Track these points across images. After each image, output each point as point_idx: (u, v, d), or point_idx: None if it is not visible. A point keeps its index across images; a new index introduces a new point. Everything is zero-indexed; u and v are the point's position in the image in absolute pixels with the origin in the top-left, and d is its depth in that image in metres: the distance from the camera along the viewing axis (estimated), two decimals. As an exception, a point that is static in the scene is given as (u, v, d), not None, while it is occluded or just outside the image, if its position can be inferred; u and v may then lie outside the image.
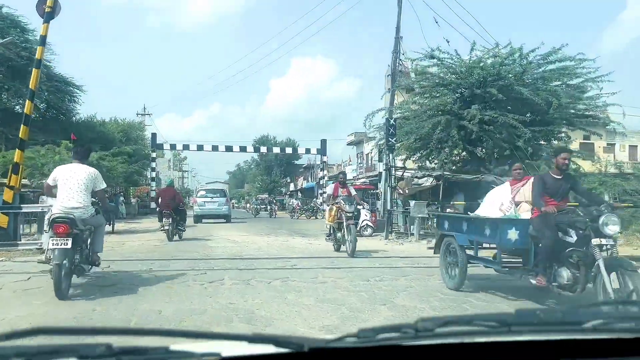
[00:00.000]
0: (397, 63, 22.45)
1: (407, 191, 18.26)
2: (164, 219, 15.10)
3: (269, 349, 1.09)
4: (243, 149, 37.84)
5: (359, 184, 20.64)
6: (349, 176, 43.40)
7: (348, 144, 46.88)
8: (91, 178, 6.55)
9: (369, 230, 17.70)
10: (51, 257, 6.22)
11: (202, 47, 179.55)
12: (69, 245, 6.00)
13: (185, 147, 37.19)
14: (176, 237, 15.24)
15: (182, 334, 1.13)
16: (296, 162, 73.66)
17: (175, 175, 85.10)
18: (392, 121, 17.57)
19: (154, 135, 36.94)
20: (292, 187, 69.64)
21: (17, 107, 32.90)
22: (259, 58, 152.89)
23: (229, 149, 37.10)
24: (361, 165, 42.89)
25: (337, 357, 1.14)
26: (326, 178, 38.52)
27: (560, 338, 1.22)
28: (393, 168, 17.88)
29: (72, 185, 6.39)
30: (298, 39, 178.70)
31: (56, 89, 33.31)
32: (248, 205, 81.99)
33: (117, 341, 1.07)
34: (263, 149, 37.99)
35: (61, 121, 34.79)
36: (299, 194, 69.18)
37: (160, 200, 15.90)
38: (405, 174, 19.95)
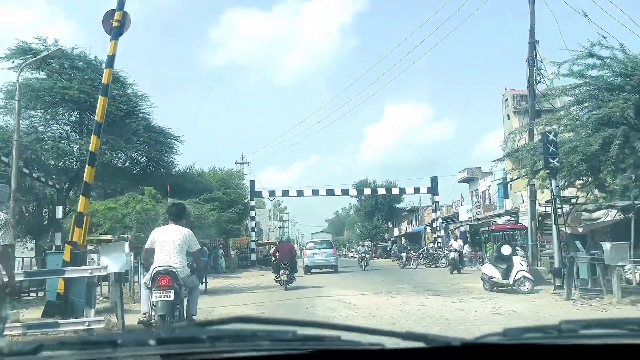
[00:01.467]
0: (535, 72, 17.96)
1: (579, 229, 13.46)
2: (281, 271, 16.22)
3: (421, 344, 1.18)
4: (345, 191, 34.44)
5: (501, 223, 15.98)
6: (464, 217, 38.23)
7: (459, 182, 41.97)
8: (186, 239, 6.49)
9: (528, 285, 13.05)
10: (152, 312, 6.07)
11: (299, 100, 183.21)
12: (172, 297, 5.95)
13: (285, 193, 34.43)
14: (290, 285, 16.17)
15: (350, 329, 1.28)
16: (397, 205, 69.19)
17: (275, 225, 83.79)
18: (551, 136, 13.02)
19: (252, 182, 34.63)
20: (395, 232, 64.93)
21: (116, 160, 31.97)
22: (354, 106, 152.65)
23: (330, 192, 33.83)
24: (477, 204, 37.74)
25: (483, 353, 1.17)
26: (440, 220, 33.84)
27: None
28: (557, 199, 13.02)
29: (168, 247, 6.35)
30: (391, 85, 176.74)
31: (155, 141, 32.04)
32: (350, 254, 78.34)
33: (300, 330, 1.21)
34: (367, 191, 34.28)
35: (161, 174, 33.41)
36: (403, 239, 64.38)
37: (278, 253, 17.11)
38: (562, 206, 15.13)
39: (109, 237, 14.38)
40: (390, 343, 1.20)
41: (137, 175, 32.04)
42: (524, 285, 13.02)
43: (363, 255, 30.14)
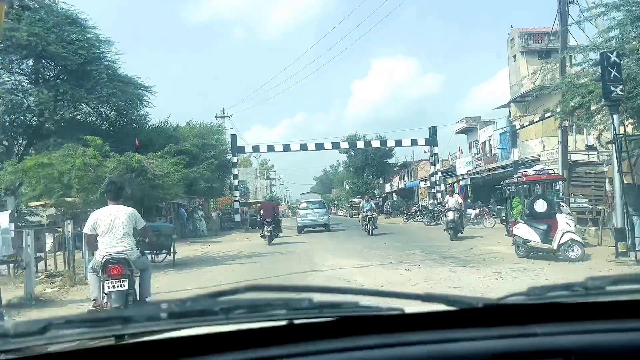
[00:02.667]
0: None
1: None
2: (265, 227, 17.80)
3: (443, 307, 1.15)
4: (336, 145, 31.30)
5: (532, 173, 12.97)
6: (462, 170, 35.46)
7: (457, 133, 38.96)
8: (131, 218, 6.03)
9: (577, 250, 10.21)
10: (105, 302, 5.64)
11: (285, 55, 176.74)
12: (126, 287, 5.66)
13: (270, 148, 31.20)
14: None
15: (368, 292, 1.25)
16: (389, 160, 66.33)
17: (262, 184, 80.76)
18: (613, 57, 9.80)
19: (233, 137, 31.26)
20: (387, 188, 62.27)
21: (79, 114, 28.38)
22: (340, 61, 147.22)
23: (319, 146, 30.65)
24: (478, 156, 34.84)
25: (507, 314, 1.14)
26: (439, 174, 30.97)
27: None
28: (623, 139, 9.87)
29: (114, 230, 5.89)
30: (377, 40, 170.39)
31: (121, 91, 28.37)
32: (340, 211, 75.88)
33: (317, 297, 1.16)
34: (359, 144, 31.17)
35: (133, 129, 29.94)
36: (394, 195, 61.93)
37: (262, 211, 18.51)
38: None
39: (39, 203, 11.26)
40: (411, 306, 1.18)
41: (107, 132, 28.63)
42: (572, 250, 10.18)
43: (368, 214, 21.25)
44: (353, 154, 67.52)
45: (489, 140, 34.74)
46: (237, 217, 30.72)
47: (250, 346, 1.09)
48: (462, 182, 33.61)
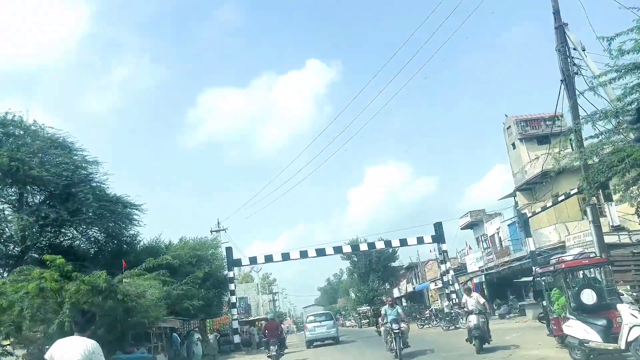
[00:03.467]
0: (569, 58, 13.75)
1: None
2: (270, 347, 17.15)
3: None
4: (338, 249, 29.33)
5: (570, 259, 11.00)
6: (473, 267, 33.21)
7: (462, 228, 37.22)
8: (87, 353, 5.22)
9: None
10: None
11: (280, 170, 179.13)
12: None
13: (268, 258, 29.15)
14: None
15: None
16: (393, 264, 63.75)
17: (264, 299, 77.22)
18: (653, 112, 8.34)
19: (229, 250, 29.36)
20: (395, 292, 59.10)
21: (63, 239, 26.66)
22: (335, 171, 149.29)
23: (320, 252, 28.69)
24: (488, 250, 32.81)
25: None
26: (451, 272, 28.75)
27: None
28: None
29: None
30: (369, 148, 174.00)
31: (109, 212, 26.93)
32: (348, 322, 71.61)
33: None
34: (363, 247, 29.20)
35: (123, 250, 28.11)
36: (403, 300, 58.56)
37: (267, 331, 18.05)
38: None
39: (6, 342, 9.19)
40: None
41: (95, 256, 26.88)
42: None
43: (394, 327, 13.79)
44: (356, 259, 65.04)
45: (497, 233, 32.93)
46: (237, 338, 27.88)
47: None
48: (475, 280, 31.28)
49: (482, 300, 13.70)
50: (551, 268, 11.39)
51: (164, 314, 15.49)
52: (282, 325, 23.09)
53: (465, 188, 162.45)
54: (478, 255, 33.95)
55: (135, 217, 28.66)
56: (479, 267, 32.89)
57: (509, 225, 31.22)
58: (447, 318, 24.06)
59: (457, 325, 23.70)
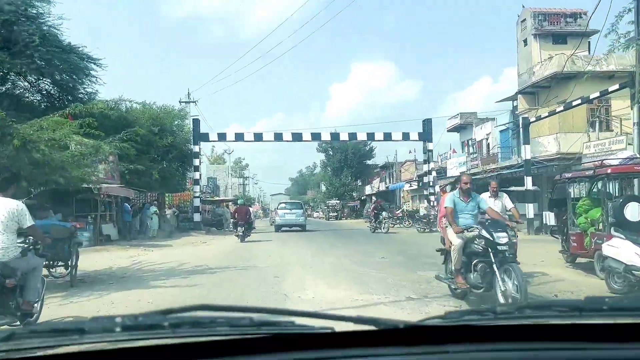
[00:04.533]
0: None
1: None
2: (238, 228, 19.61)
3: (371, 327, 1.25)
4: (316, 136, 26.69)
5: (618, 163, 8.56)
6: (454, 172, 31.24)
7: (449, 130, 34.84)
8: (13, 214, 5.30)
9: None
10: None
11: (264, 55, 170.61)
12: None
13: (239, 137, 26.44)
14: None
15: (303, 314, 1.37)
16: (369, 162, 62.14)
17: (234, 182, 75.80)
18: None
19: (195, 122, 26.43)
20: (367, 190, 57.98)
21: (9, 87, 23.25)
22: (319, 63, 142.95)
23: (297, 137, 26.08)
24: (474, 155, 30.74)
25: (426, 335, 1.24)
26: (434, 173, 26.71)
27: (629, 322, 1.27)
28: None
29: None
30: (357, 43, 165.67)
31: (62, 61, 23.32)
32: (316, 213, 71.30)
33: (257, 317, 1.26)
34: (343, 136, 26.62)
35: (77, 108, 24.83)
36: (373, 198, 57.56)
37: (237, 215, 20.35)
38: None
39: None
40: (342, 327, 1.25)
41: (45, 111, 23.73)
42: None
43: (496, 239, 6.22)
44: (331, 153, 63.13)
45: (487, 139, 30.71)
46: (197, 217, 25.89)
47: (193, 358, 1.16)
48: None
49: (510, 205, 8.41)
50: (589, 173, 8.96)
51: (92, 176, 12.90)
52: (251, 210, 23.36)
53: (449, 96, 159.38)
54: (462, 159, 31.90)
55: (92, 72, 25.20)
56: (460, 172, 30.98)
57: (501, 131, 28.92)
58: (425, 220, 22.28)
59: (433, 229, 22.03)
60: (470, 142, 31.97)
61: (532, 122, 20.84)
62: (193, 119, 27.06)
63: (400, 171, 47.89)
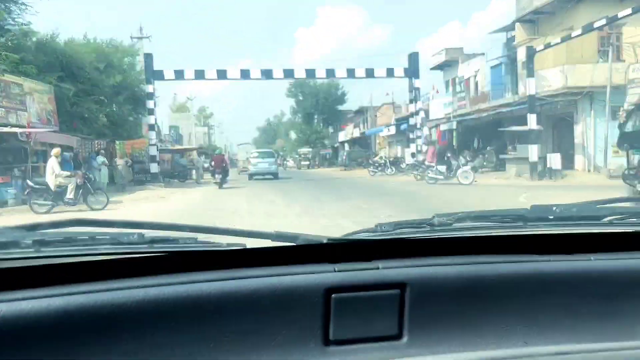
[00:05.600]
0: None
1: None
2: (216, 175, 19.72)
3: (288, 243, 1.11)
4: (288, 73, 23.24)
5: None
6: (438, 113, 28.47)
7: (432, 69, 31.75)
8: None
9: None
10: None
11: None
12: None
13: (200, 74, 22.75)
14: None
15: (212, 230, 1.16)
16: (341, 107, 58.84)
17: (199, 131, 71.64)
18: None
19: (148, 57, 22.56)
20: (341, 136, 55.01)
21: None
22: (285, 7, 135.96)
23: (266, 74, 22.60)
24: (462, 95, 27.91)
25: (354, 249, 1.13)
26: (422, 114, 23.84)
27: (576, 232, 1.20)
28: None
29: None
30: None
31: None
32: (287, 162, 68.18)
33: (151, 233, 1.07)
34: (320, 72, 23.19)
35: (10, 45, 20.71)
36: (346, 145, 54.84)
37: (214, 163, 20.74)
38: None
39: None
40: (259, 244, 1.09)
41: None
42: None
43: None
44: (301, 98, 59.47)
45: (475, 76, 27.84)
46: (154, 167, 22.45)
47: (66, 282, 0.94)
48: (443, 127, 26.75)
49: None
50: None
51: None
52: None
53: (419, 41, 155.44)
54: (447, 100, 29.10)
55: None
56: (445, 114, 28.27)
57: (492, 67, 26.06)
58: (422, 167, 19.39)
59: (424, 178, 19.36)
60: (457, 80, 29.03)
61: (540, 50, 17.96)
62: (145, 54, 23.18)
63: (376, 116, 44.88)
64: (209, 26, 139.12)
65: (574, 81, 18.90)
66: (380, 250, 1.10)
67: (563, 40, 16.88)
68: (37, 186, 12.52)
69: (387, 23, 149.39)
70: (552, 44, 17.30)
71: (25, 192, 12.45)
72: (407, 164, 24.80)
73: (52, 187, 12.33)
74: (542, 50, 17.89)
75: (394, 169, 26.86)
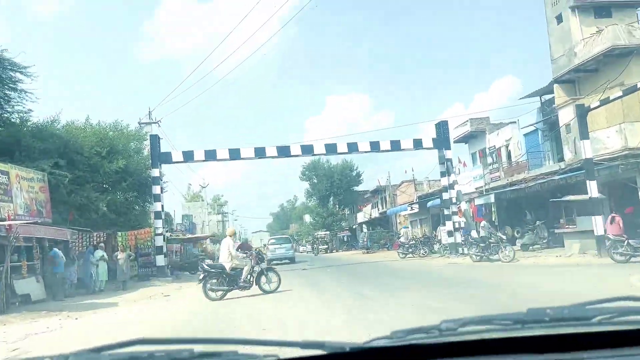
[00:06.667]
0: None
1: None
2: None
3: (316, 351, 1.23)
4: (307, 149, 20.99)
5: None
6: (468, 188, 25.87)
7: (456, 142, 29.56)
8: None
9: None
10: None
11: (239, 92, 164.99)
12: None
13: (210, 155, 20.59)
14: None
15: (247, 342, 1.29)
16: (356, 188, 56.59)
17: (212, 219, 69.35)
18: None
19: (154, 139, 20.57)
20: (360, 217, 52.22)
21: None
22: (295, 98, 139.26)
23: (283, 152, 20.43)
24: (493, 166, 25.39)
25: (372, 356, 1.22)
26: (457, 187, 21.15)
27: (569, 332, 1.27)
28: None
29: None
30: (332, 78, 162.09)
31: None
32: (302, 247, 64.99)
33: (200, 348, 1.19)
34: (342, 147, 20.82)
35: (10, 132, 19.08)
36: (364, 227, 51.92)
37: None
38: None
39: None
40: (289, 354, 1.21)
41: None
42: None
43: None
44: (316, 181, 57.48)
45: (507, 146, 25.47)
46: (160, 260, 19.64)
47: None
48: (478, 201, 23.95)
49: None
50: None
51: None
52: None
53: (421, 125, 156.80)
54: (476, 173, 26.53)
55: (21, 85, 19.41)
56: (475, 188, 25.60)
57: (526, 134, 23.73)
58: (483, 244, 16.49)
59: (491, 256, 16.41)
60: (489, 151, 26.62)
61: (594, 108, 15.56)
62: (151, 136, 21.18)
63: (396, 194, 42.31)
64: (219, 118, 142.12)
65: (636, 141, 16.35)
66: (395, 355, 1.20)
67: (626, 92, 14.49)
68: (212, 270, 11.23)
69: (391, 109, 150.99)
70: (611, 98, 14.91)
71: (201, 277, 11.20)
72: (444, 244, 21.85)
73: (227, 269, 11.09)
74: (597, 107, 15.48)
75: (427, 250, 23.88)
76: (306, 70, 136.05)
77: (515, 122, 24.60)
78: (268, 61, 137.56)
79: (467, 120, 27.97)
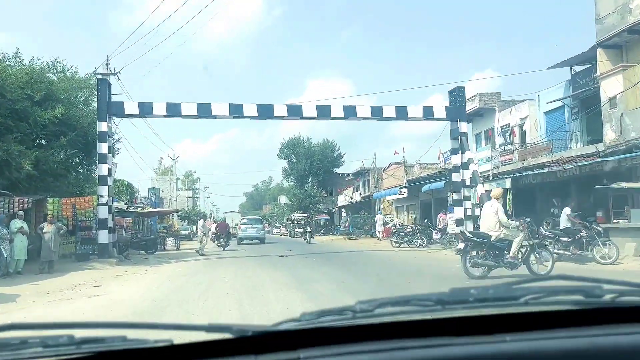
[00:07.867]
0: None
1: None
2: (221, 239, 22.25)
3: (215, 335, 1.10)
4: (295, 110, 16.86)
5: None
6: (480, 168, 22.07)
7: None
8: None
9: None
10: None
11: (220, 68, 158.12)
12: None
13: (173, 109, 16.26)
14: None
15: (139, 326, 1.14)
16: (337, 170, 52.75)
17: (183, 195, 64.69)
18: None
19: (102, 83, 16.15)
20: (340, 201, 48.42)
21: None
22: (274, 80, 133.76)
23: (264, 111, 16.26)
24: (507, 147, 21.75)
25: (280, 340, 1.12)
26: (472, 167, 17.43)
27: (493, 313, 1.20)
28: None
29: None
30: (314, 61, 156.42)
31: None
32: (276, 229, 60.99)
33: (80, 333, 1.06)
34: (336, 111, 16.74)
35: None
36: (342, 211, 48.27)
37: (218, 229, 23.31)
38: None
39: None
40: (189, 338, 1.08)
41: None
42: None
43: None
44: (294, 160, 53.38)
45: (521, 125, 21.84)
46: (103, 236, 15.33)
47: None
48: (486, 185, 20.28)
49: None
50: None
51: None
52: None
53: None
54: (482, 155, 22.84)
55: None
56: (481, 173, 21.90)
57: (548, 112, 20.10)
58: (567, 239, 12.65)
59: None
60: (500, 130, 22.93)
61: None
62: (99, 80, 16.72)
63: (382, 178, 38.53)
64: (193, 97, 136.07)
65: None
66: (303, 339, 1.10)
67: None
68: (476, 239, 9.19)
69: (373, 94, 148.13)
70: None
71: (460, 246, 9.33)
72: (451, 234, 18.17)
73: (494, 238, 9.07)
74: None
75: (424, 239, 20.20)
76: (288, 51, 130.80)
77: (535, 99, 20.93)
78: (249, 41, 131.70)
79: (475, 95, 24.21)
